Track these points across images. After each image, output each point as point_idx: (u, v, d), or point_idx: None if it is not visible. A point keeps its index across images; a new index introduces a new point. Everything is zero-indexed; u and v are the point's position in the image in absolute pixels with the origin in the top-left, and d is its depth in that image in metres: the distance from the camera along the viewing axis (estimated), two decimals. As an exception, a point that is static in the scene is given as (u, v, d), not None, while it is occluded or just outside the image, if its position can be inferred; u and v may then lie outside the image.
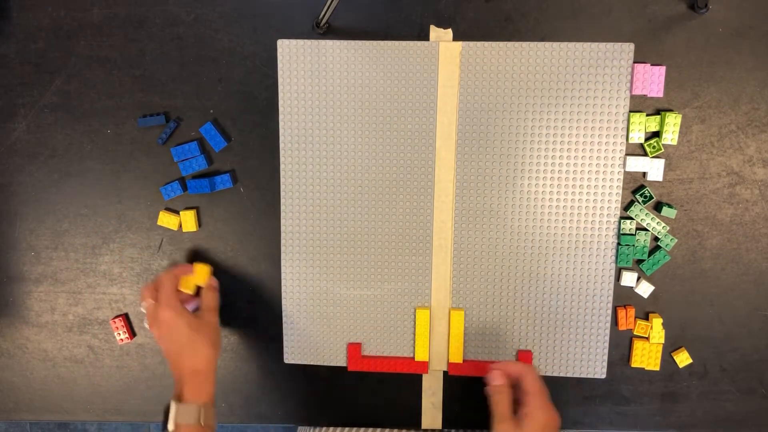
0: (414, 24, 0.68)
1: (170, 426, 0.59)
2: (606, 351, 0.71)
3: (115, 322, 0.75)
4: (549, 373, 0.72)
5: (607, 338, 0.71)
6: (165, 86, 0.71)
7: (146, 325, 0.67)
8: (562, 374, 0.72)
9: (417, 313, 0.72)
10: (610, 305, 0.71)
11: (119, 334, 0.75)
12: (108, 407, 0.78)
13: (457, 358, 0.72)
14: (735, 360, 0.72)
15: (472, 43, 0.67)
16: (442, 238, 0.71)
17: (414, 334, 0.73)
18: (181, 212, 0.72)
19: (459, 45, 0.67)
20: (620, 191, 0.68)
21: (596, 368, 0.72)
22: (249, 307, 0.75)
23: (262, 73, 0.70)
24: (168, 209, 0.73)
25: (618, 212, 0.69)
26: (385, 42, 0.68)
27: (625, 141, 0.68)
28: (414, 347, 0.73)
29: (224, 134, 0.71)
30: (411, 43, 0.68)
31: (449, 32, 0.68)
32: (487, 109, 0.68)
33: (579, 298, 0.70)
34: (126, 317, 0.76)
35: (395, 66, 0.68)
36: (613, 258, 0.70)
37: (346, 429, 0.74)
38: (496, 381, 0.63)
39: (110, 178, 0.73)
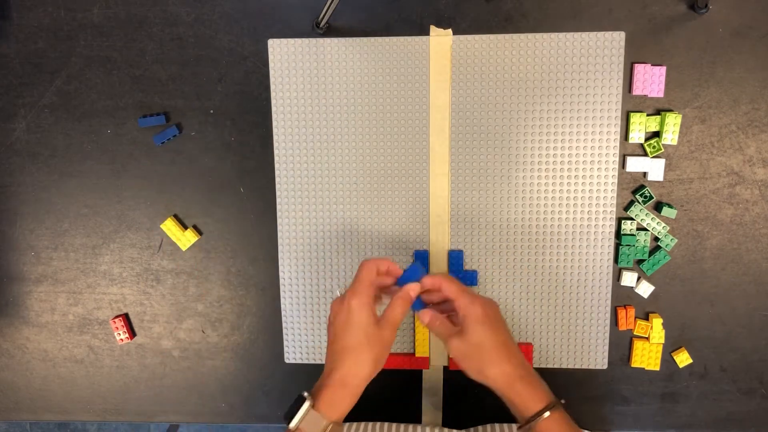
0: (414, 24, 0.68)
1: (293, 424, 0.54)
2: (606, 341, 0.71)
3: (115, 322, 0.75)
4: (550, 365, 0.72)
5: (608, 329, 0.71)
6: (165, 86, 0.71)
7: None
8: (563, 366, 0.72)
9: None
10: (609, 295, 0.70)
11: (119, 334, 0.75)
12: (108, 407, 0.78)
13: (457, 357, 0.72)
14: (735, 360, 0.72)
15: (462, 36, 0.67)
16: (439, 233, 0.71)
17: (414, 330, 0.73)
18: (187, 230, 0.73)
19: (449, 39, 0.67)
20: (615, 179, 0.68)
21: (597, 359, 0.72)
22: (249, 307, 0.75)
23: (262, 73, 0.70)
24: (176, 216, 0.73)
25: (614, 201, 0.69)
26: (376, 38, 0.68)
27: (618, 129, 0.67)
28: (414, 343, 0.73)
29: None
30: (402, 39, 0.68)
31: (449, 32, 0.68)
32: (479, 102, 0.68)
33: (578, 289, 0.70)
34: (126, 317, 0.76)
35: (387, 61, 0.68)
36: (611, 243, 0.69)
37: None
38: (425, 319, 0.61)
39: (110, 178, 0.73)
